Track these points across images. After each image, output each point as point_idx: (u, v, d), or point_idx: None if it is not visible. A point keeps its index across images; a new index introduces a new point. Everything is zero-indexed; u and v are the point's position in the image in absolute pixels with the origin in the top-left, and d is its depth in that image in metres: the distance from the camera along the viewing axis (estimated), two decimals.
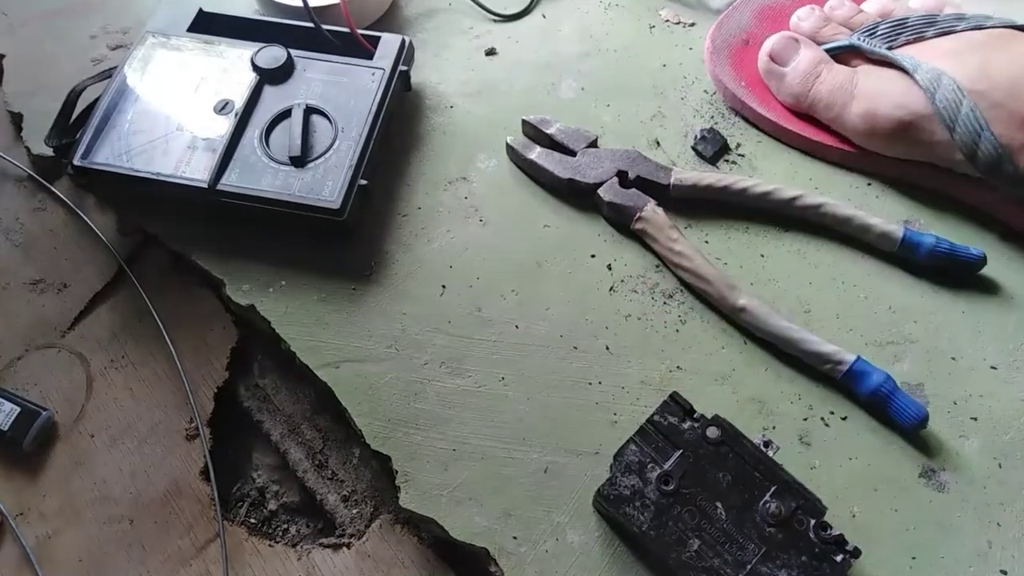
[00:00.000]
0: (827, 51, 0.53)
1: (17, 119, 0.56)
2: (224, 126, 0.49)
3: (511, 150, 0.53)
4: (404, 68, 0.53)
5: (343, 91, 0.51)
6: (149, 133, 0.49)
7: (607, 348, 0.46)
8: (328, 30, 0.53)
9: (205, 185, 0.47)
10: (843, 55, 0.53)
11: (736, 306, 0.46)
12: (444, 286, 0.48)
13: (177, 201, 0.49)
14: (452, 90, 0.57)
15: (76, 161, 0.48)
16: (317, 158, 0.48)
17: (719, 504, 0.38)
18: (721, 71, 0.54)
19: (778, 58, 0.53)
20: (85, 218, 0.52)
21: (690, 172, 0.51)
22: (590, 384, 0.45)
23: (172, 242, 0.50)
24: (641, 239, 0.50)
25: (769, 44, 0.53)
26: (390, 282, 0.48)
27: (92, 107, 0.50)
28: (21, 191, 0.54)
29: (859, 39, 0.52)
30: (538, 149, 0.52)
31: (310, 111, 0.50)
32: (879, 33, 0.51)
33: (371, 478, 0.46)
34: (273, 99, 0.51)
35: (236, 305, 0.48)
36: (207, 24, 0.54)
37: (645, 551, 0.39)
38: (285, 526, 0.46)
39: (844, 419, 0.44)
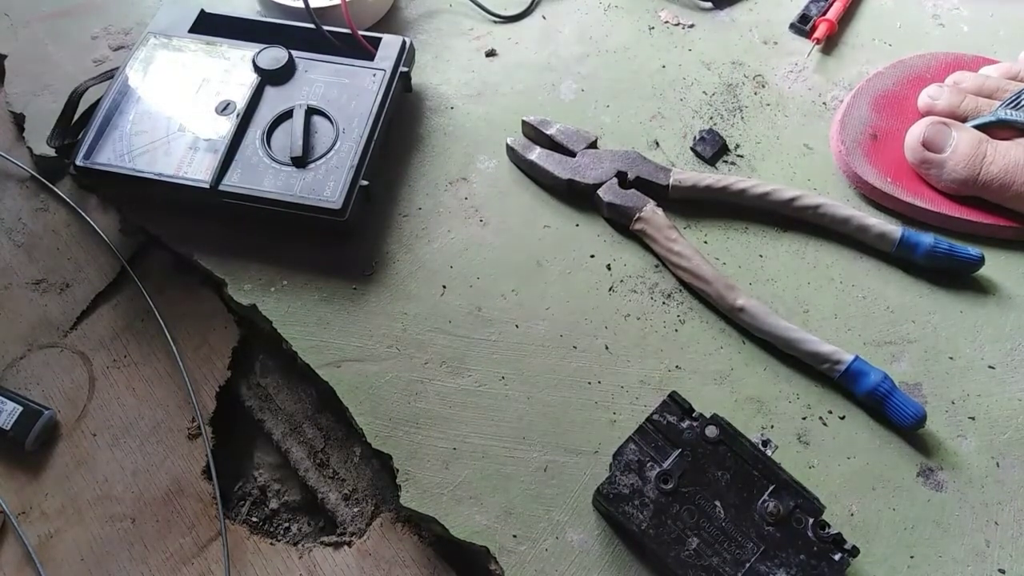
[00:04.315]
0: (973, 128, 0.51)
1: (19, 120, 0.56)
2: (226, 127, 0.49)
3: (511, 151, 0.53)
4: (405, 69, 0.53)
5: (344, 92, 0.51)
6: (151, 134, 0.49)
7: (606, 348, 0.46)
8: (329, 31, 0.53)
9: (207, 186, 0.47)
10: (989, 130, 0.50)
11: (735, 306, 0.46)
12: (444, 286, 0.48)
13: (179, 201, 0.49)
14: (452, 91, 0.57)
15: (78, 161, 0.48)
16: (318, 159, 0.49)
17: (718, 503, 0.38)
18: (862, 169, 0.52)
19: (932, 145, 0.50)
20: (87, 218, 0.52)
21: (689, 173, 0.51)
22: (590, 383, 0.45)
23: (174, 242, 0.50)
24: (640, 239, 0.50)
25: (918, 132, 0.51)
26: (391, 282, 0.48)
27: (94, 108, 0.50)
28: (23, 191, 0.54)
29: (1006, 113, 0.50)
30: (538, 150, 0.52)
31: (311, 112, 0.50)
32: None
33: (372, 477, 0.46)
34: (274, 100, 0.51)
35: (238, 305, 0.48)
36: (209, 25, 0.54)
37: (644, 549, 0.40)
38: (286, 525, 0.46)
39: (842, 418, 0.44)
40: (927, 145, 0.50)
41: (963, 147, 0.49)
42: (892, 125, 0.54)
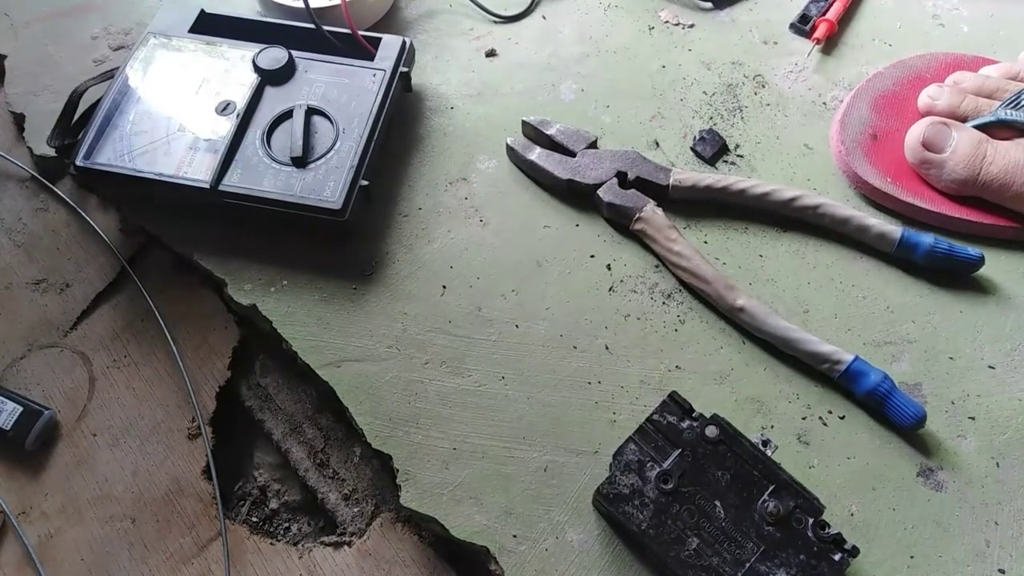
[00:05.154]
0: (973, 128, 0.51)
1: (19, 120, 0.56)
2: (226, 127, 0.49)
3: (511, 151, 0.53)
4: (405, 69, 0.53)
5: (344, 92, 0.51)
6: (151, 134, 0.49)
7: (606, 348, 0.46)
8: (329, 31, 0.53)
9: (207, 186, 0.47)
10: (989, 130, 0.50)
11: (735, 306, 0.46)
12: (444, 286, 0.48)
13: (179, 201, 0.49)
14: (452, 91, 0.57)
15: (78, 161, 0.48)
16: (318, 159, 0.49)
17: (718, 503, 0.38)
18: (862, 169, 0.51)
19: (932, 145, 0.50)
20: (87, 218, 0.52)
21: (689, 173, 0.51)
22: (590, 383, 0.45)
23: (174, 242, 0.50)
24: (640, 239, 0.50)
25: (918, 132, 0.51)
26: (391, 282, 0.48)
27: (94, 108, 0.50)
28: (23, 191, 0.54)
29: (1006, 113, 0.50)
30: (538, 150, 0.52)
31: (311, 112, 0.50)
32: None
33: (372, 477, 0.46)
34: (274, 100, 0.51)
35: (238, 305, 0.48)
36: (209, 25, 0.54)
37: (644, 549, 0.40)
38: (286, 525, 0.46)
39: (842, 418, 0.44)
40: (927, 145, 0.50)
41: (963, 147, 0.49)
42: (892, 125, 0.54)
